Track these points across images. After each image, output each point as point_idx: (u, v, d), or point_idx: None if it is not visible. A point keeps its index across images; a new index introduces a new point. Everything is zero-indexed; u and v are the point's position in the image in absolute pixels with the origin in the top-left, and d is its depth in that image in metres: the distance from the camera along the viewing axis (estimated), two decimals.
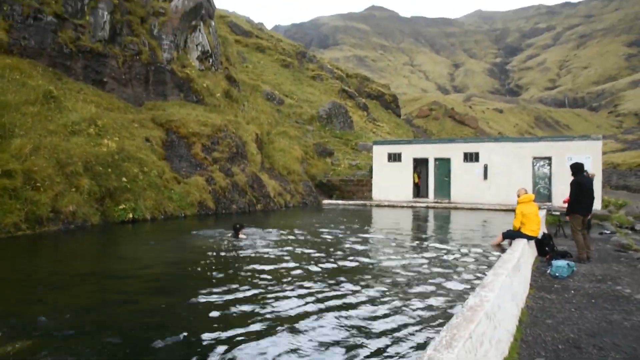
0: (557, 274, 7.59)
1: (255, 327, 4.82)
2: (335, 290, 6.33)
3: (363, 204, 23.99)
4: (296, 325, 4.86)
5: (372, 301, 5.84)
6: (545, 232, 10.23)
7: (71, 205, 12.05)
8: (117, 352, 4.17)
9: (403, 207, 22.92)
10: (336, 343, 4.44)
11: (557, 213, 14.06)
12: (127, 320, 5.08)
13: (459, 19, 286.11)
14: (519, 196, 9.82)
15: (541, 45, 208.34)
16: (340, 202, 24.71)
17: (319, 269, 7.70)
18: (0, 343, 4.20)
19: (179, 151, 18.36)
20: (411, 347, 4.37)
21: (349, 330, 4.77)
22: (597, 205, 16.22)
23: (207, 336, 4.53)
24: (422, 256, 9.10)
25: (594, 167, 19.66)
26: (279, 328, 4.78)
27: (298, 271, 7.51)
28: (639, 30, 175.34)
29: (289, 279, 6.95)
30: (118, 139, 15.39)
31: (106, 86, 19.36)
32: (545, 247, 9.39)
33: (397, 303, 5.76)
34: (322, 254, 9.08)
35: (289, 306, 5.55)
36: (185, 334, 4.60)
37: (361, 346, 4.37)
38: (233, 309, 5.42)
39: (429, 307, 5.61)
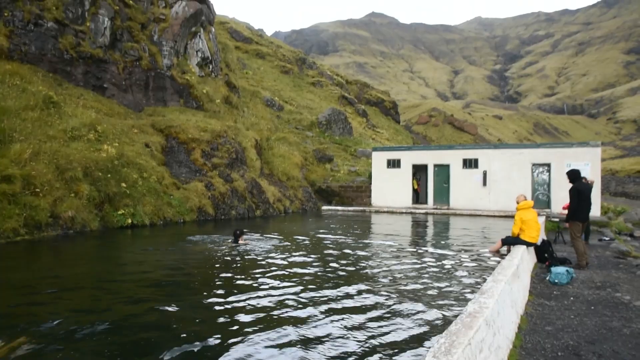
0: (556, 281, 7.59)
1: (255, 330, 4.81)
2: (335, 295, 6.33)
3: (362, 210, 24.00)
4: (295, 330, 4.85)
5: (370, 306, 5.83)
6: (545, 238, 10.23)
7: (70, 210, 12.05)
8: (116, 355, 4.17)
9: (402, 213, 22.92)
10: (334, 347, 4.42)
11: (557, 219, 14.06)
12: (126, 324, 5.09)
13: (458, 25, 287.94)
14: (518, 202, 9.82)
15: (540, 52, 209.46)
16: (339, 208, 24.71)
17: (319, 275, 7.69)
18: (0, 344, 4.21)
19: (178, 157, 18.39)
20: (411, 354, 4.36)
21: (348, 336, 4.76)
22: (594, 211, 16.22)
23: (206, 340, 4.53)
24: (421, 262, 9.09)
25: (593, 174, 19.69)
26: (278, 332, 4.77)
27: (298, 277, 7.50)
28: (637, 37, 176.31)
29: (289, 284, 6.94)
30: (118, 145, 15.41)
31: (106, 92, 19.44)
32: (544, 254, 9.39)
33: (396, 308, 5.75)
34: (322, 260, 9.08)
35: (288, 312, 5.55)
36: (184, 335, 4.61)
37: (361, 352, 4.36)
38: (233, 314, 5.42)
39: (428, 313, 5.59)
